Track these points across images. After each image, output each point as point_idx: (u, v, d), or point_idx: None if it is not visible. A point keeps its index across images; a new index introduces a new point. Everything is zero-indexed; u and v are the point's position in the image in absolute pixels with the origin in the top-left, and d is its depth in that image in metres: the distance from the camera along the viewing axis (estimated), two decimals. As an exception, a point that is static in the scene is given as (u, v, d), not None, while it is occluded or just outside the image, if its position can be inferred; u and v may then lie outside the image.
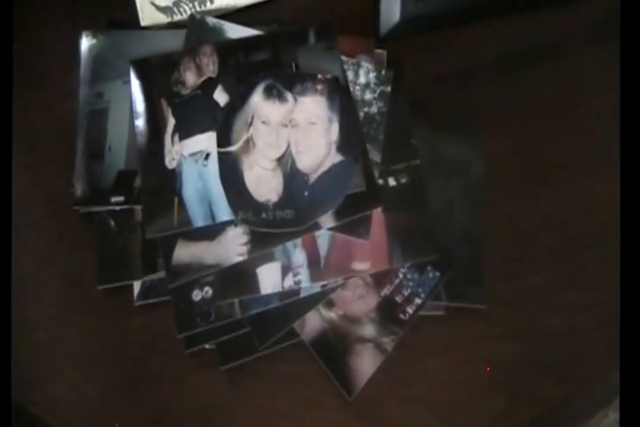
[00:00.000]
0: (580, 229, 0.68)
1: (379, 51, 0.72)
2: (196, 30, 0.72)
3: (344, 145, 0.66)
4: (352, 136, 0.66)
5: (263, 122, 0.66)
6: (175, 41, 0.72)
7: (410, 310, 0.64)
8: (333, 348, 0.63)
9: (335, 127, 0.66)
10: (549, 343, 0.65)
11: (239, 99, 0.67)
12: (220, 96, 0.68)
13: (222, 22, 0.72)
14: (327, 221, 0.64)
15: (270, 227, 0.64)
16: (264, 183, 0.65)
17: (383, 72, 0.70)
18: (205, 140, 0.67)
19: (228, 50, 0.70)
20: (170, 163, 0.67)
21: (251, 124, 0.66)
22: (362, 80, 0.70)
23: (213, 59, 0.69)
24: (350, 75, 0.69)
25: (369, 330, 0.64)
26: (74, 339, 0.67)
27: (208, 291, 0.64)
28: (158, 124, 0.68)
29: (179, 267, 0.64)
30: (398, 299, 0.64)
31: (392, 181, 0.67)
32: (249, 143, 0.66)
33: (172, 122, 0.68)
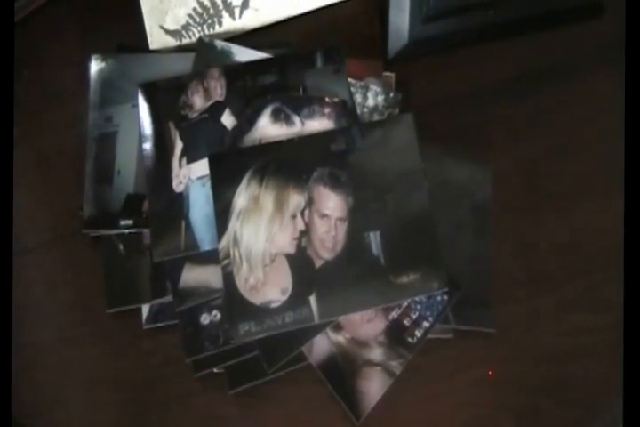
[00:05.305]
0: (586, 253, 0.68)
1: (387, 73, 0.72)
2: (205, 53, 0.72)
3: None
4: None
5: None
6: (184, 64, 0.72)
7: (418, 334, 0.64)
8: (341, 371, 0.63)
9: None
10: (557, 366, 0.64)
11: (246, 122, 0.68)
12: (228, 119, 0.68)
13: (230, 45, 0.73)
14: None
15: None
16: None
17: (391, 94, 0.70)
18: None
19: (235, 73, 0.70)
20: (177, 186, 0.67)
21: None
22: (370, 103, 0.70)
23: (221, 82, 0.69)
24: (358, 97, 0.70)
25: (377, 353, 0.63)
26: (83, 362, 0.67)
27: (216, 315, 0.64)
28: (166, 147, 0.68)
29: (186, 290, 0.64)
30: (406, 322, 0.64)
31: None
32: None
33: (179, 145, 0.68)
